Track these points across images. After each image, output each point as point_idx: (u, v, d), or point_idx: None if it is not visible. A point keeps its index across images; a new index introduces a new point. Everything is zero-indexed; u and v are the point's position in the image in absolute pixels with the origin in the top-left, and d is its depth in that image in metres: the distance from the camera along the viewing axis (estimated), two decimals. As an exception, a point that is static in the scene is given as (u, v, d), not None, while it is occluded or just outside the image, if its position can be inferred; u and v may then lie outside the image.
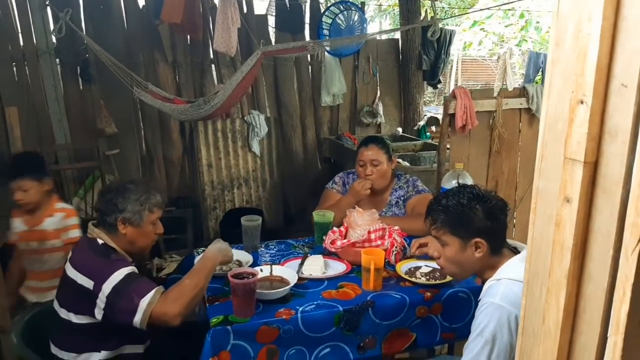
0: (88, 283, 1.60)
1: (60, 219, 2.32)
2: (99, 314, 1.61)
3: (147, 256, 1.99)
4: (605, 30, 0.68)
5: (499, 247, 1.49)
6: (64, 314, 1.69)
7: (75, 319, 1.67)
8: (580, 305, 0.76)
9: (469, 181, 2.34)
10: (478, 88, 12.62)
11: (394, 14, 11.85)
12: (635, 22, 0.65)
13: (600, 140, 0.70)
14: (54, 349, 1.72)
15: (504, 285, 1.36)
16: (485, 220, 1.46)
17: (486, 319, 1.34)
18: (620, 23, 0.67)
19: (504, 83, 10.37)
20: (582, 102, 0.71)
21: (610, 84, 0.68)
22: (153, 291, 1.56)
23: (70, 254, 1.74)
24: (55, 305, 1.72)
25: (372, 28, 12.28)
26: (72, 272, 1.65)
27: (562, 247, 0.76)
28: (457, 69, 12.50)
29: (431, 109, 8.96)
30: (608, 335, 0.70)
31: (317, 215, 2.24)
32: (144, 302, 1.54)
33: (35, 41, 3.87)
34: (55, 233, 2.31)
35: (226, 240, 1.92)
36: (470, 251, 1.47)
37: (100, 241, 1.71)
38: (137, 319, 1.54)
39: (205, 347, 1.52)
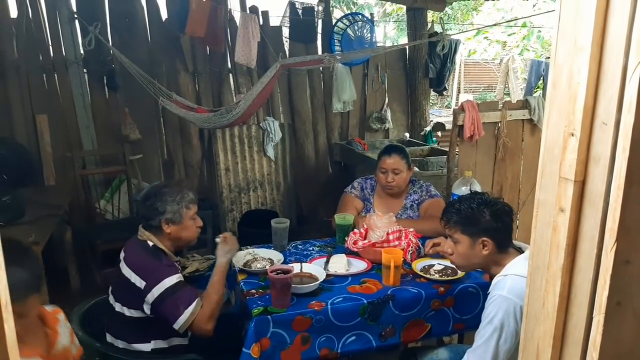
0: (140, 283, 1.80)
1: (65, 322, 1.61)
2: (147, 309, 1.82)
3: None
4: (590, 80, 0.84)
5: (505, 246, 1.69)
6: (118, 307, 1.88)
7: (128, 312, 1.86)
8: (572, 292, 0.92)
9: (478, 188, 2.53)
10: (480, 91, 12.77)
11: (398, 18, 12.00)
12: (613, 75, 0.82)
13: (586, 164, 0.86)
14: (109, 338, 1.91)
15: (511, 280, 1.55)
16: (491, 222, 1.67)
17: (495, 309, 1.53)
18: (601, 75, 0.84)
19: (506, 86, 10.52)
20: (572, 135, 0.88)
21: (594, 121, 0.84)
22: (195, 303, 1.79)
23: (122, 253, 1.94)
24: (111, 299, 1.92)
25: (376, 32, 12.38)
26: (126, 271, 1.85)
27: (557, 247, 0.93)
28: (459, 72, 12.56)
29: (434, 111, 9.11)
30: (593, 315, 0.86)
31: (339, 218, 2.42)
32: (187, 312, 1.77)
33: (64, 52, 4.00)
34: (72, 341, 1.61)
35: (244, 239, 2.14)
36: (478, 248, 1.68)
37: (150, 243, 1.89)
38: (179, 324, 1.77)
39: (248, 334, 1.72)
